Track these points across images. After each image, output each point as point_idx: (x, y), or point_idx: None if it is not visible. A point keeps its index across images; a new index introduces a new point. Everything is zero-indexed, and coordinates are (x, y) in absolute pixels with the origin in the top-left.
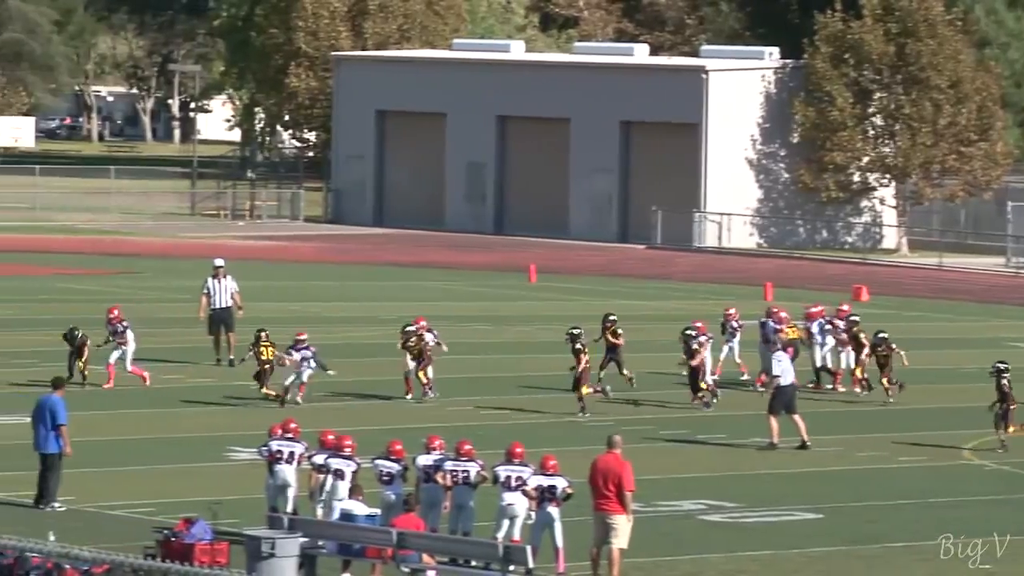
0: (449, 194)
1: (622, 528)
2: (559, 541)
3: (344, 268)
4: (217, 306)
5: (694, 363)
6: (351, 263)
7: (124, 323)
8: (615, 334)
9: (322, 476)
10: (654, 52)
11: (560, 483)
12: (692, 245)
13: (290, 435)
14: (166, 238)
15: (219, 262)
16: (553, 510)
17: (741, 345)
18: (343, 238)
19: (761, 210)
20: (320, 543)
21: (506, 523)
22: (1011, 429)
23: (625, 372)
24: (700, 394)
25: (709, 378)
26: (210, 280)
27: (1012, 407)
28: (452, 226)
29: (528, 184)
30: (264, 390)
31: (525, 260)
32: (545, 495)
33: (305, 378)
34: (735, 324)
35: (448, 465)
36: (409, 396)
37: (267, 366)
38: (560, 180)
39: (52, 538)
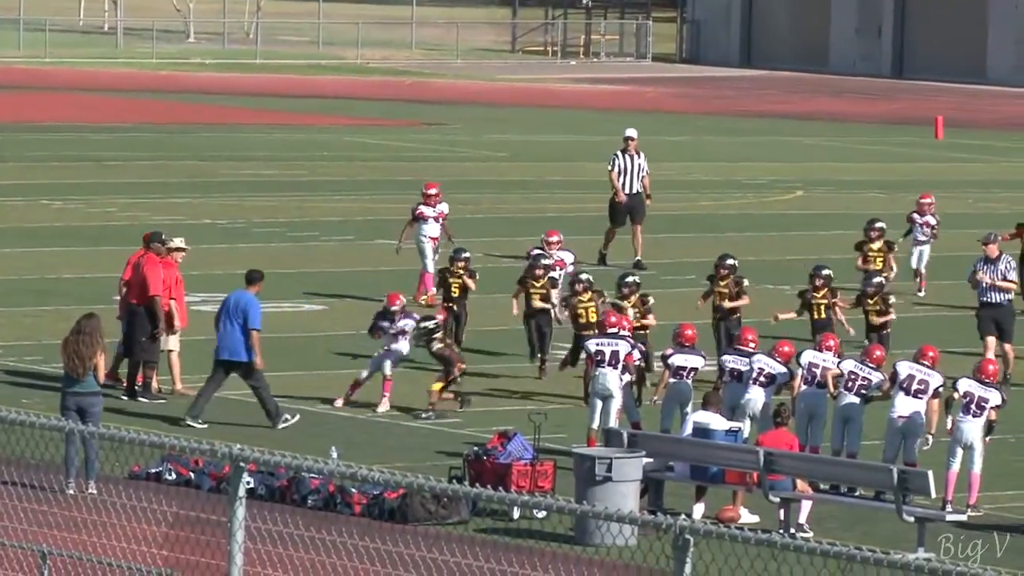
0: (835, 26)
1: None
2: (976, 466)
3: (701, 120)
4: (627, 191)
5: None
6: (710, 113)
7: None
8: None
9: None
10: None
11: (994, 398)
12: None
13: (614, 329)
14: (480, 81)
15: (631, 132)
16: (975, 427)
17: None
18: (701, 82)
19: None
20: (669, 464)
21: (898, 441)
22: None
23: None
24: None
25: None
26: (620, 156)
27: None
28: (838, 67)
29: (937, 14)
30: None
31: (931, 110)
32: (973, 409)
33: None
34: None
35: (847, 366)
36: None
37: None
38: (977, 10)
39: (335, 455)
